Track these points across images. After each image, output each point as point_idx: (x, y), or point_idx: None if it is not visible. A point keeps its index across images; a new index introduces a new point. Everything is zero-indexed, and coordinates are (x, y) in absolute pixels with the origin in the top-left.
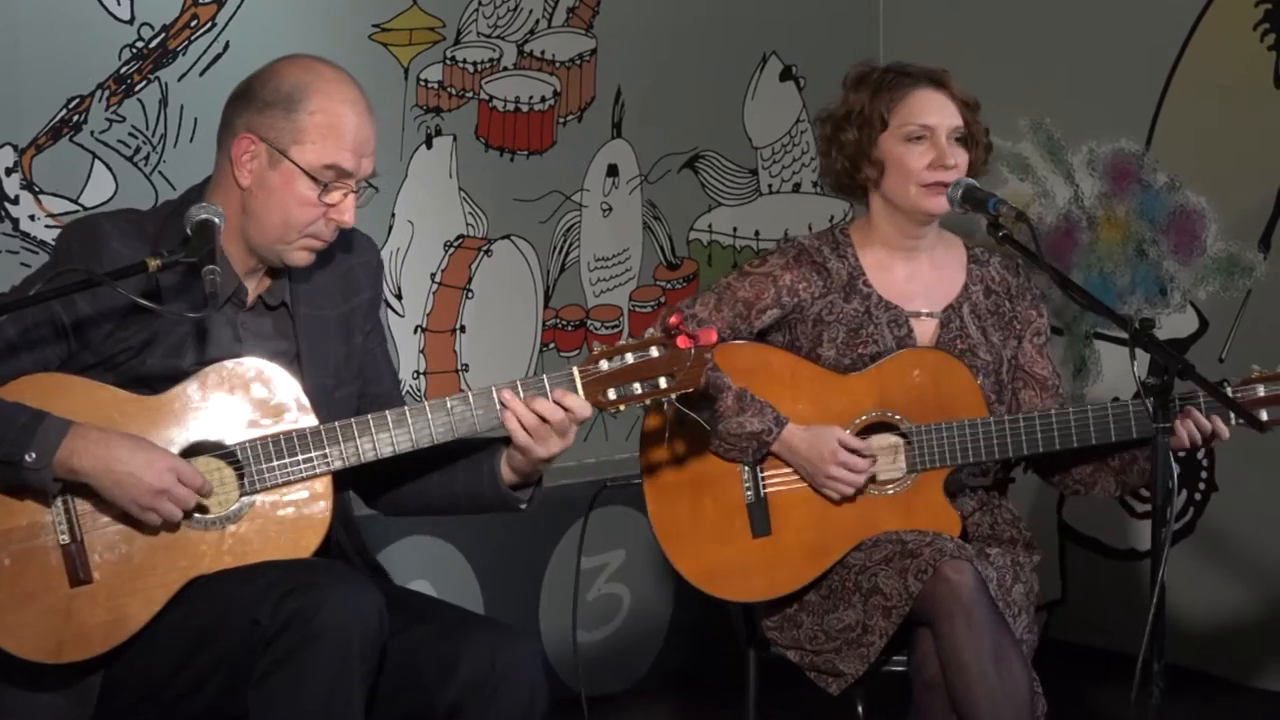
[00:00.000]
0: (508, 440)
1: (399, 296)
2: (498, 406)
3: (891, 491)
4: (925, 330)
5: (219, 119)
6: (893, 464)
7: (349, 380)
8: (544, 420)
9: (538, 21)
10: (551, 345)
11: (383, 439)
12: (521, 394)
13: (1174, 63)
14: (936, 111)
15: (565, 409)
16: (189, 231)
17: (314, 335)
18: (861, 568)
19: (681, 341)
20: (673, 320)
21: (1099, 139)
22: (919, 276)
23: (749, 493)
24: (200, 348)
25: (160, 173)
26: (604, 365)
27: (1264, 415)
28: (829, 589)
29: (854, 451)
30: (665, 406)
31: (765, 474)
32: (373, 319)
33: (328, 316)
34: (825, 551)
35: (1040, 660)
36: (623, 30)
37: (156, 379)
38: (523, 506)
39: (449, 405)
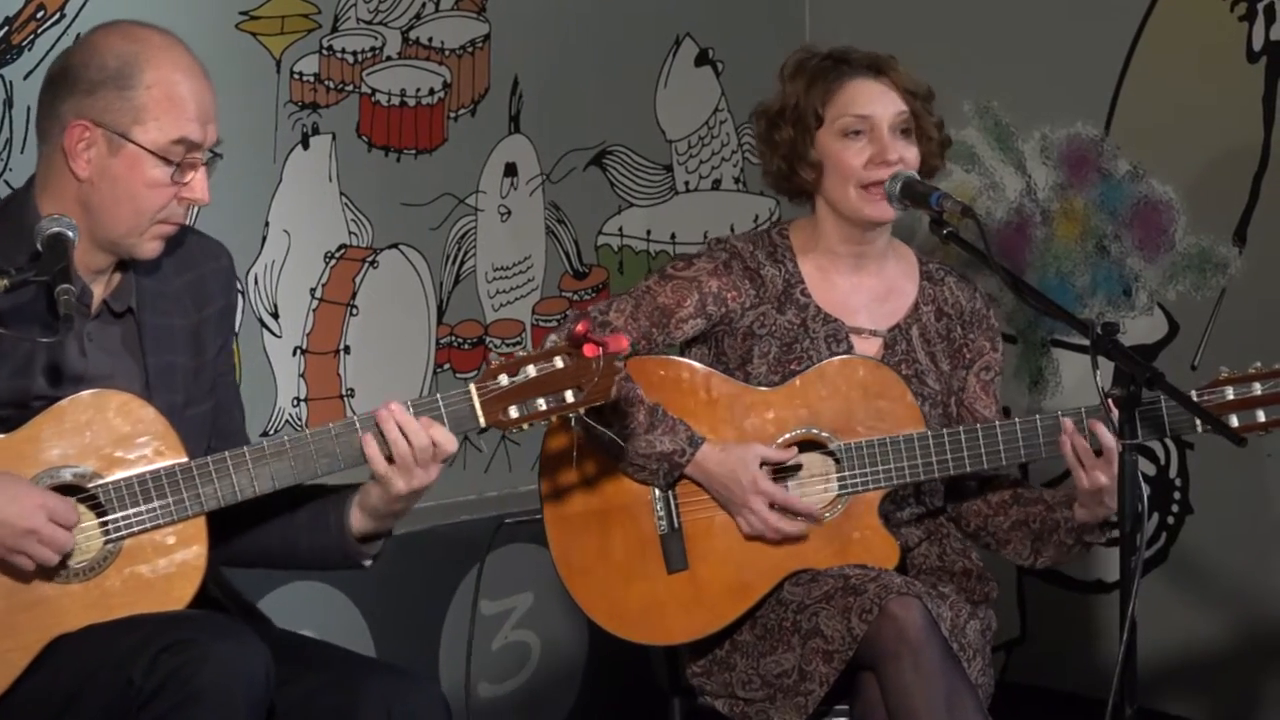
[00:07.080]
0: (355, 487)
1: (275, 315)
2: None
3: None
4: (868, 350)
5: None
6: (823, 490)
7: (200, 398)
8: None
9: (424, 5)
10: (446, 366)
11: (261, 474)
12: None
13: (1134, 37)
14: (875, 101)
15: (433, 442)
16: (39, 247)
17: (161, 346)
18: (800, 605)
19: (588, 350)
20: (579, 328)
21: (1052, 124)
22: (864, 289)
23: (662, 523)
24: (48, 364)
25: (5, 181)
26: (503, 380)
27: (1234, 421)
28: (764, 628)
29: (778, 464)
30: (573, 423)
31: (680, 502)
32: (224, 333)
33: (176, 326)
34: (748, 587)
35: (998, 706)
36: (519, 13)
37: (3, 404)
38: (367, 563)
39: (333, 432)
